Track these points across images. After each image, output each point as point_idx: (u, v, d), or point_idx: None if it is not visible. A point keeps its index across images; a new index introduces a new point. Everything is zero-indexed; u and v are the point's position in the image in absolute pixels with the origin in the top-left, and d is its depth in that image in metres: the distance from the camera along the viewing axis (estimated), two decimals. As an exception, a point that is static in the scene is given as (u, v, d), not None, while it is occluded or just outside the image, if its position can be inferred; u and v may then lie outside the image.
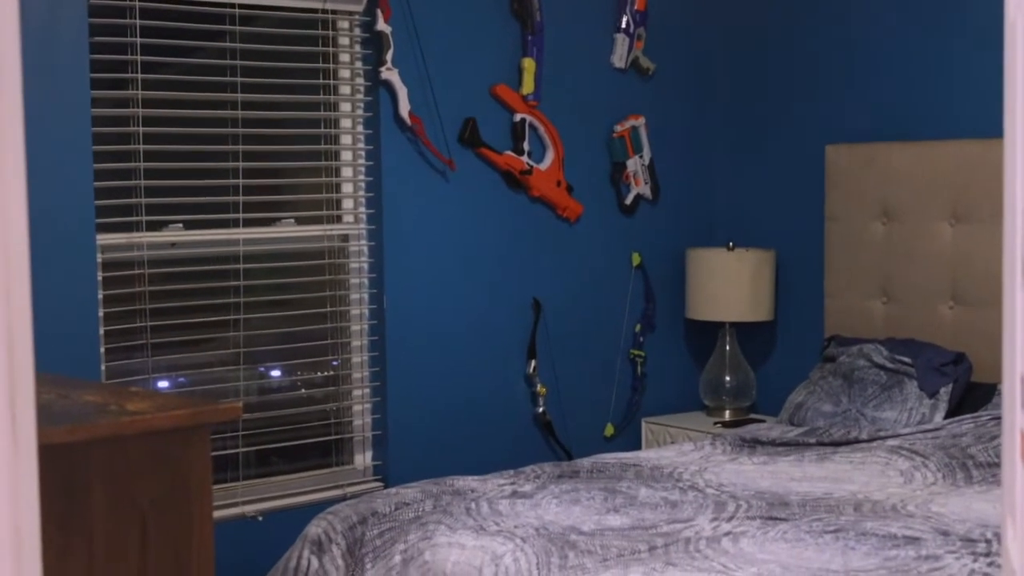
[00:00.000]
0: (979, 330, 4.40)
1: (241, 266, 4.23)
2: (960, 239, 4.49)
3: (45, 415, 2.04)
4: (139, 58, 3.98)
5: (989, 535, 3.07)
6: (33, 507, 0.97)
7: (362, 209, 4.53)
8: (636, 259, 5.15)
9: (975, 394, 4.30)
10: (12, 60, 0.92)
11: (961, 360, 4.35)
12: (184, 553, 2.18)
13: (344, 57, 4.48)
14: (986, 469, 3.76)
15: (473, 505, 3.44)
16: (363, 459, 4.57)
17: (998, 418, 4.02)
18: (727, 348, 5.09)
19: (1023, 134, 1.11)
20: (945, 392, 4.26)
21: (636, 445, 5.09)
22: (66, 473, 2.02)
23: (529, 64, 4.76)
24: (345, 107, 4.50)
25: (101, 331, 3.90)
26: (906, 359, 4.37)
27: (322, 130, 4.47)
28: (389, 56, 4.41)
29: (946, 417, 4.20)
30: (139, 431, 2.09)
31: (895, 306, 4.68)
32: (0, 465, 0.94)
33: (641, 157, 5.13)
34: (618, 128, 5.07)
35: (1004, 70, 1.27)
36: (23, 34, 0.95)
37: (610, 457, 4.03)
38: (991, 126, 4.24)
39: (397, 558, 3.25)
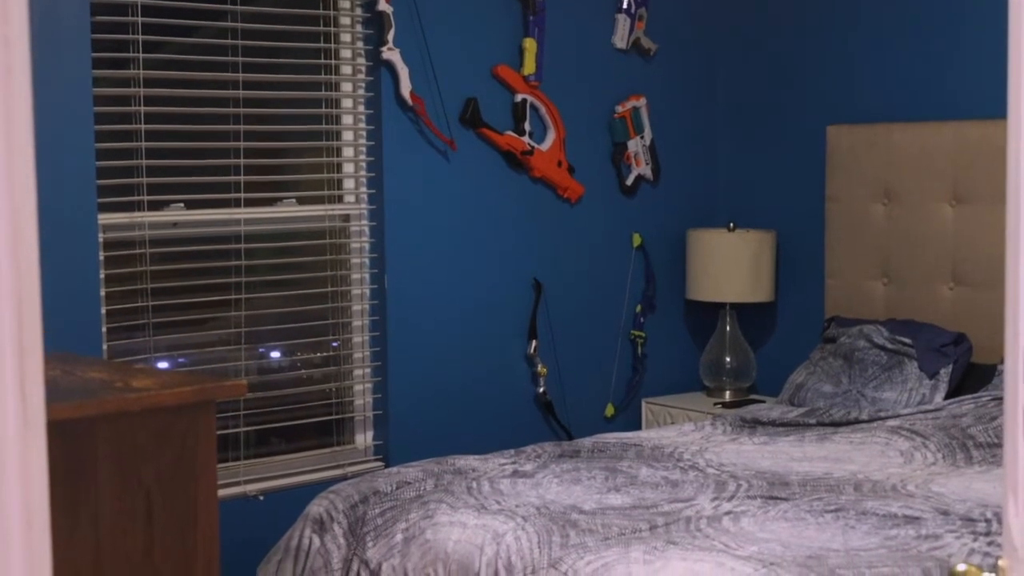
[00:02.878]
0: (979, 311, 4.41)
1: (242, 246, 4.24)
2: (961, 220, 4.49)
3: (51, 392, 2.05)
4: (140, 37, 3.98)
5: (989, 515, 3.08)
6: (43, 482, 0.98)
7: (363, 189, 4.53)
8: (637, 240, 5.15)
9: (975, 375, 4.31)
10: (21, 45, 0.92)
11: (961, 341, 4.36)
12: (189, 529, 2.19)
13: (346, 37, 4.48)
14: (986, 449, 3.77)
15: (474, 484, 3.45)
16: (364, 439, 4.58)
17: (998, 399, 4.03)
18: (727, 329, 5.09)
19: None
20: (945, 373, 4.26)
21: (636, 425, 5.11)
22: (73, 449, 2.03)
23: (530, 44, 4.75)
24: (346, 87, 4.50)
25: (103, 311, 3.90)
26: (906, 340, 4.37)
27: (323, 110, 4.47)
28: (390, 36, 4.40)
29: (946, 398, 4.21)
30: (145, 407, 2.09)
31: (896, 287, 4.69)
32: (11, 441, 0.95)
33: (642, 138, 5.13)
34: (619, 109, 5.07)
35: (1008, 50, 1.27)
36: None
37: (611, 437, 4.05)
38: (993, 107, 4.24)
39: (399, 537, 3.26)
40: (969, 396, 4.13)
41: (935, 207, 4.56)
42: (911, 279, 4.64)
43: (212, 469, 2.21)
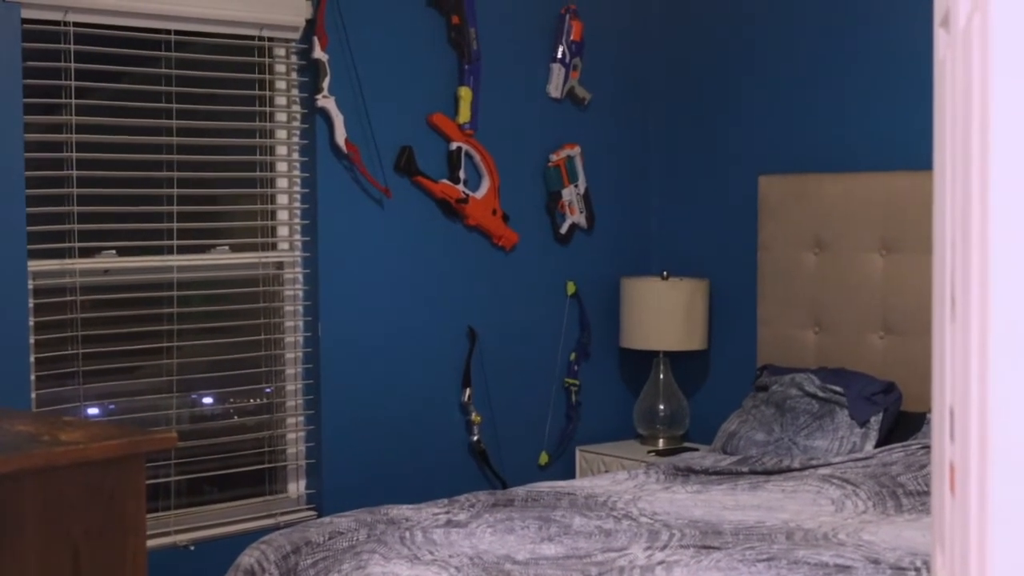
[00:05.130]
0: (909, 359, 4.45)
1: (175, 293, 4.20)
2: (890, 269, 4.54)
3: (-24, 444, 2.02)
4: (73, 83, 3.95)
5: (918, 563, 3.10)
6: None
7: (297, 236, 4.52)
8: (571, 288, 5.17)
9: (905, 423, 4.34)
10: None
11: (891, 389, 4.40)
12: (117, 584, 2.16)
13: (280, 84, 4.48)
14: (916, 497, 3.80)
15: (407, 534, 3.43)
16: (297, 488, 4.54)
17: (927, 447, 4.06)
18: (661, 377, 5.11)
19: (951, 167, 1.14)
20: (876, 421, 4.30)
21: (570, 474, 5.10)
22: (-2, 504, 2.00)
23: (465, 93, 4.77)
24: (281, 134, 4.49)
25: (32, 359, 3.85)
26: (837, 388, 4.41)
27: (258, 157, 4.46)
28: (326, 84, 4.40)
29: (877, 446, 4.25)
30: (73, 461, 2.06)
31: (827, 335, 4.73)
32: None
33: (576, 186, 5.16)
34: (554, 157, 5.09)
35: (934, 105, 1.30)
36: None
37: (544, 486, 4.04)
38: (921, 159, 4.29)
39: (331, 588, 3.22)
40: (899, 444, 4.16)
41: (865, 256, 4.61)
42: (842, 328, 4.68)
43: (141, 523, 2.18)
